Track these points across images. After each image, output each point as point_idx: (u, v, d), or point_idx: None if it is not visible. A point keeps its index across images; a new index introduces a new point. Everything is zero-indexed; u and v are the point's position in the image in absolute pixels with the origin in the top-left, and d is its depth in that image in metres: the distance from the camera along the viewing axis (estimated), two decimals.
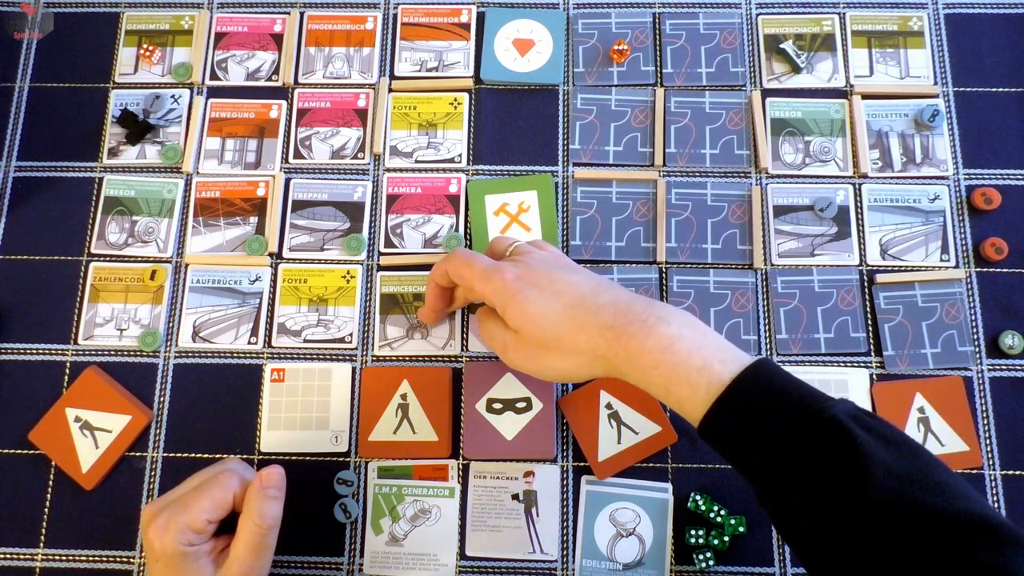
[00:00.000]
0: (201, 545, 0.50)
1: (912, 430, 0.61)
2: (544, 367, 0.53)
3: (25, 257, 0.67)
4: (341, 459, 0.62)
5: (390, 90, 0.70)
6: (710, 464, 0.61)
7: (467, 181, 0.68)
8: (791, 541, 0.46)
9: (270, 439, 0.62)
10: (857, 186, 0.67)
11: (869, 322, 0.64)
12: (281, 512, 0.53)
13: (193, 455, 0.62)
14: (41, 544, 0.60)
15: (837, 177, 0.67)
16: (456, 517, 0.60)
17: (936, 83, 0.69)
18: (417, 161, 0.69)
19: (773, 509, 0.46)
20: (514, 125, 0.69)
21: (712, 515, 0.58)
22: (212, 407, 0.63)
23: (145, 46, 0.71)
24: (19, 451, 0.62)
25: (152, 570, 0.50)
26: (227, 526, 0.53)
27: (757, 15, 0.72)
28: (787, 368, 0.62)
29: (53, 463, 0.62)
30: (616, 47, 0.70)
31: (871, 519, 0.41)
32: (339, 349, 0.64)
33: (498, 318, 0.55)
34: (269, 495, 0.52)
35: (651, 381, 0.48)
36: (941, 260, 0.65)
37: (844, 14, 0.72)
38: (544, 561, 0.59)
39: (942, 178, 0.67)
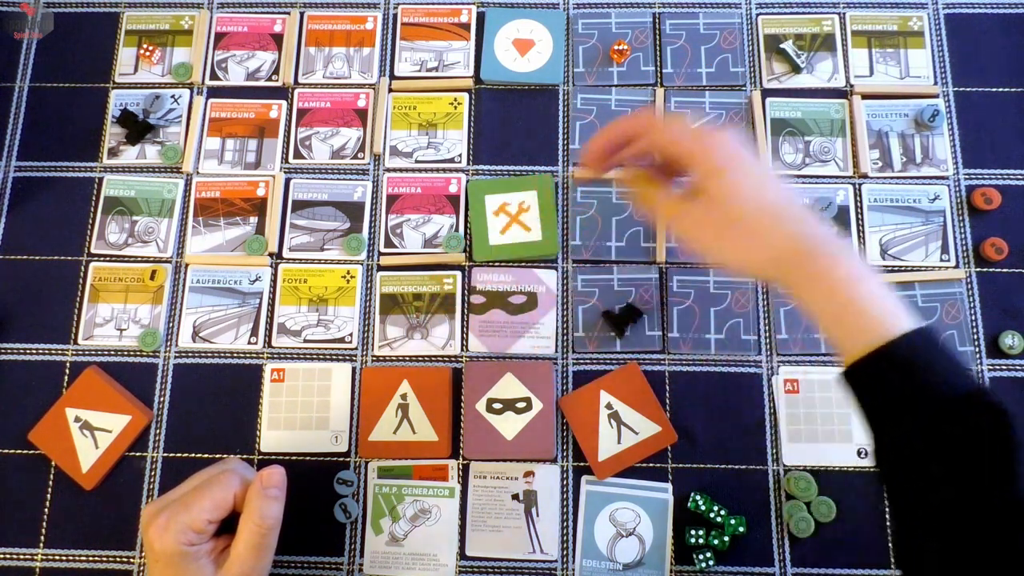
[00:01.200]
0: (201, 545, 0.50)
1: None
2: (726, 248, 0.49)
3: (25, 257, 0.67)
4: (341, 459, 0.62)
5: (390, 90, 0.70)
6: (710, 464, 0.61)
7: (467, 181, 0.68)
8: (903, 507, 0.44)
9: (270, 439, 0.62)
10: (857, 186, 0.67)
11: None
12: (282, 512, 0.53)
13: (193, 455, 0.62)
14: (41, 544, 0.60)
15: (837, 177, 0.67)
16: (456, 517, 0.60)
17: (936, 83, 0.69)
18: (417, 161, 0.69)
19: (895, 471, 0.44)
20: (514, 125, 0.69)
21: (712, 515, 0.58)
22: (212, 407, 0.63)
23: (145, 46, 0.71)
24: (19, 451, 0.62)
25: (152, 570, 0.50)
26: (227, 526, 0.53)
27: (757, 15, 0.72)
28: (786, 368, 0.63)
29: (53, 463, 0.62)
30: (616, 47, 0.70)
31: (1009, 514, 0.40)
32: (339, 349, 0.64)
33: (668, 187, 0.51)
34: (270, 495, 0.52)
35: (822, 306, 0.46)
36: (941, 260, 0.65)
37: (844, 14, 0.72)
38: (544, 561, 0.59)
39: (942, 178, 0.67)
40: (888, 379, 0.44)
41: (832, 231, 0.49)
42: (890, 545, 0.46)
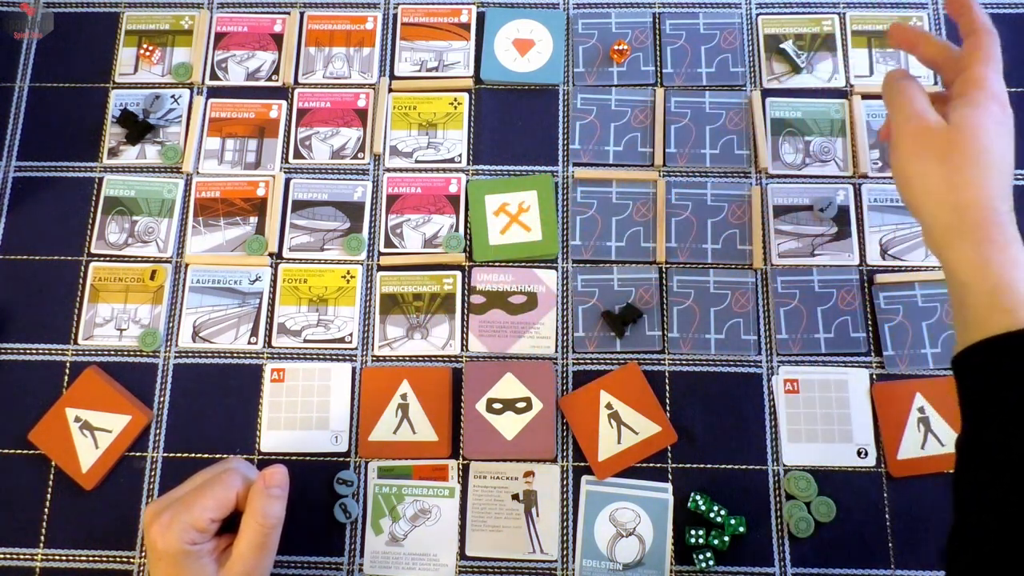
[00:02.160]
0: (203, 544, 0.50)
1: (912, 430, 0.61)
2: (924, 172, 0.49)
3: (25, 257, 0.67)
4: (341, 459, 0.62)
5: (390, 90, 0.70)
6: (710, 464, 0.61)
7: (467, 181, 0.68)
8: (970, 498, 0.44)
9: (270, 439, 0.62)
10: (857, 186, 0.67)
11: (869, 322, 0.64)
12: (284, 511, 0.53)
13: (193, 455, 0.62)
14: (41, 544, 0.60)
15: (837, 177, 0.67)
16: (456, 517, 0.60)
17: (936, 83, 0.69)
18: (417, 161, 0.69)
19: (974, 459, 0.44)
20: (514, 125, 0.69)
21: (712, 515, 0.59)
22: (212, 407, 0.63)
23: (145, 46, 0.71)
24: (19, 451, 0.62)
25: (154, 569, 0.50)
26: (229, 525, 0.53)
27: (757, 15, 0.72)
28: (786, 368, 0.63)
29: (53, 463, 0.62)
30: (616, 47, 0.70)
31: None
32: (339, 349, 0.64)
33: (925, 95, 0.52)
34: (273, 494, 0.52)
35: (963, 280, 0.47)
36: None
37: (844, 14, 0.72)
38: (544, 561, 0.59)
39: None
40: (1005, 366, 0.44)
41: (1011, 212, 0.48)
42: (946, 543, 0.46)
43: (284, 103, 0.70)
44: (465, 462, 0.61)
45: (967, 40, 0.52)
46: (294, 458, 0.61)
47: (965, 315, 0.47)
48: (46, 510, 0.61)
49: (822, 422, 0.61)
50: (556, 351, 0.64)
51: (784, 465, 0.61)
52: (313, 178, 0.68)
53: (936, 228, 0.49)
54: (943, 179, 0.49)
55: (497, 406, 0.62)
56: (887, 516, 0.59)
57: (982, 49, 0.51)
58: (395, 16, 0.73)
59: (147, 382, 0.64)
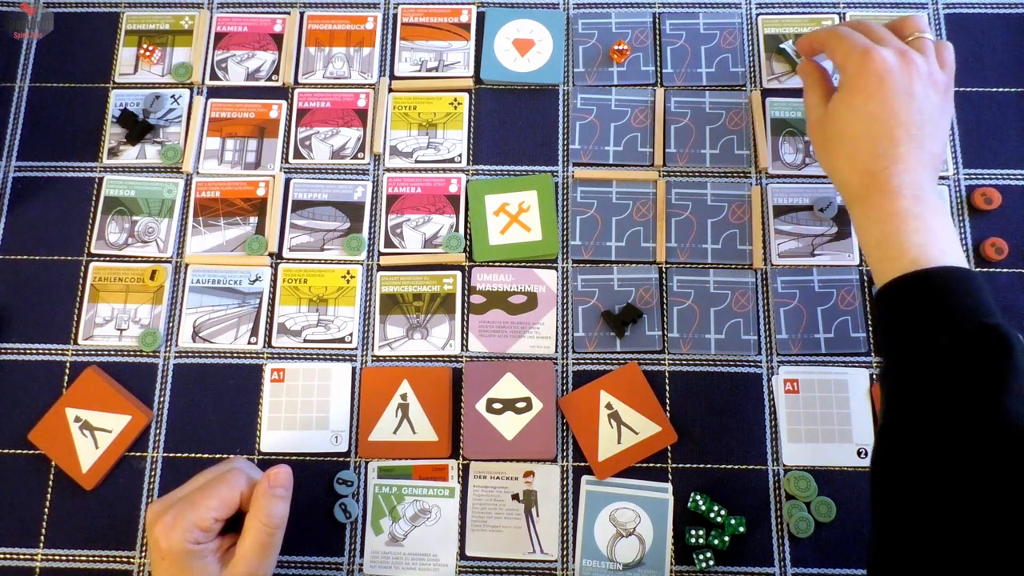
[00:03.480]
0: (207, 544, 0.50)
1: None
2: (821, 154, 0.59)
3: (25, 257, 0.67)
4: (341, 459, 0.62)
5: (390, 90, 0.70)
6: (710, 464, 0.61)
7: (467, 181, 0.68)
8: (891, 432, 0.48)
9: (270, 439, 0.62)
10: None
11: (869, 322, 0.64)
12: (288, 511, 0.53)
13: (193, 455, 0.62)
14: (41, 544, 0.60)
15: None
16: (456, 517, 0.60)
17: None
18: (417, 161, 0.69)
19: (893, 393, 0.49)
20: (514, 125, 0.69)
21: (712, 515, 0.59)
22: (212, 407, 0.63)
23: (145, 46, 0.71)
24: (19, 451, 0.62)
25: (157, 568, 0.50)
26: (232, 525, 0.53)
27: (757, 15, 0.72)
28: (786, 368, 0.63)
29: (53, 463, 0.62)
30: (616, 47, 0.70)
31: (991, 437, 0.42)
32: (339, 349, 0.64)
33: (821, 91, 0.60)
34: (277, 494, 0.52)
35: (869, 231, 0.53)
36: None
37: (844, 14, 0.72)
38: (544, 561, 0.59)
39: (942, 178, 0.67)
40: (912, 302, 0.49)
41: (917, 150, 0.54)
42: (870, 462, 0.50)
43: (284, 103, 0.70)
44: (465, 462, 0.61)
45: (827, 50, 0.59)
46: (294, 458, 0.61)
47: (870, 268, 0.54)
48: (46, 510, 0.61)
49: (822, 422, 0.61)
50: (556, 351, 0.64)
51: (784, 465, 0.61)
52: (313, 178, 0.68)
53: (843, 200, 0.58)
54: (829, 161, 0.58)
55: (497, 406, 0.62)
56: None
57: (831, 52, 0.58)
58: (395, 16, 0.73)
59: (147, 382, 0.64)
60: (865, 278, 0.65)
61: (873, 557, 0.46)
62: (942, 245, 0.50)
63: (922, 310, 0.48)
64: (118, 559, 0.60)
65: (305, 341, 0.64)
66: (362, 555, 0.60)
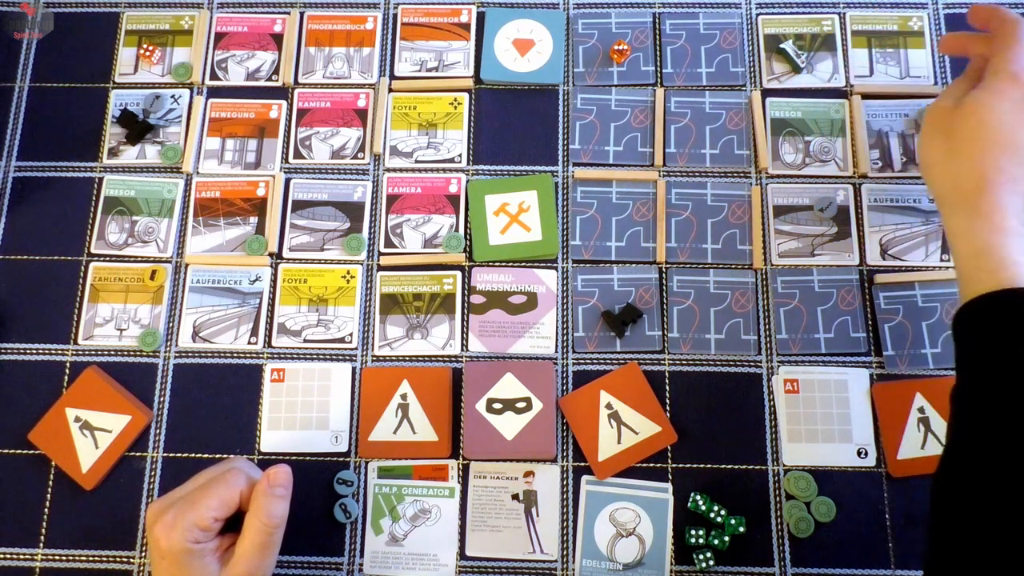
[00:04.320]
0: (207, 543, 0.50)
1: (912, 430, 0.61)
2: (931, 146, 0.55)
3: (25, 257, 0.67)
4: (341, 459, 0.62)
5: (390, 90, 0.70)
6: (710, 464, 0.61)
7: (467, 181, 0.68)
8: (968, 450, 0.46)
9: (270, 439, 0.62)
10: (857, 186, 0.67)
11: (869, 322, 0.64)
12: (287, 511, 0.53)
13: (193, 455, 0.62)
14: (41, 544, 0.60)
15: (837, 177, 0.67)
16: (456, 517, 0.60)
17: (936, 83, 0.69)
18: (417, 161, 0.69)
19: (970, 410, 0.47)
20: (514, 125, 0.69)
21: (712, 515, 0.59)
22: (212, 407, 0.63)
23: (145, 46, 0.71)
24: (19, 451, 0.62)
25: (157, 568, 0.50)
26: (232, 525, 0.53)
27: (757, 15, 0.72)
28: (786, 368, 0.63)
29: (53, 463, 0.62)
30: (616, 47, 0.70)
31: None
32: (339, 349, 0.64)
33: (973, 80, 0.56)
34: (276, 494, 0.52)
35: (968, 241, 0.51)
36: (941, 260, 0.65)
37: (844, 14, 0.72)
38: (544, 561, 0.59)
39: None
40: (1005, 319, 0.47)
41: (1015, 190, 0.52)
42: (931, 489, 0.48)
43: (284, 103, 0.70)
44: (465, 462, 0.61)
45: (994, 35, 0.56)
46: (294, 458, 0.61)
47: (959, 278, 0.52)
48: (46, 510, 0.61)
49: (822, 422, 0.61)
50: (556, 351, 0.64)
51: (784, 465, 0.61)
52: (313, 178, 0.68)
53: (938, 198, 0.55)
54: (944, 153, 0.54)
55: (497, 406, 0.62)
56: (887, 516, 0.59)
57: (1002, 38, 0.55)
58: (395, 16, 0.73)
59: (147, 382, 0.64)
60: (865, 278, 0.65)
61: None
62: None
63: (1014, 327, 0.46)
64: (118, 559, 0.60)
65: (305, 341, 0.64)
66: (362, 555, 0.60)
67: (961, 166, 0.53)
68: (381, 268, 0.66)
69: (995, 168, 0.51)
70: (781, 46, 0.70)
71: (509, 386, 0.62)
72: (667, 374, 0.63)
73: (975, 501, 0.44)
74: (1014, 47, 0.53)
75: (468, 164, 0.69)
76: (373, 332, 0.64)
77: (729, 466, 0.61)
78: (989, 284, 0.48)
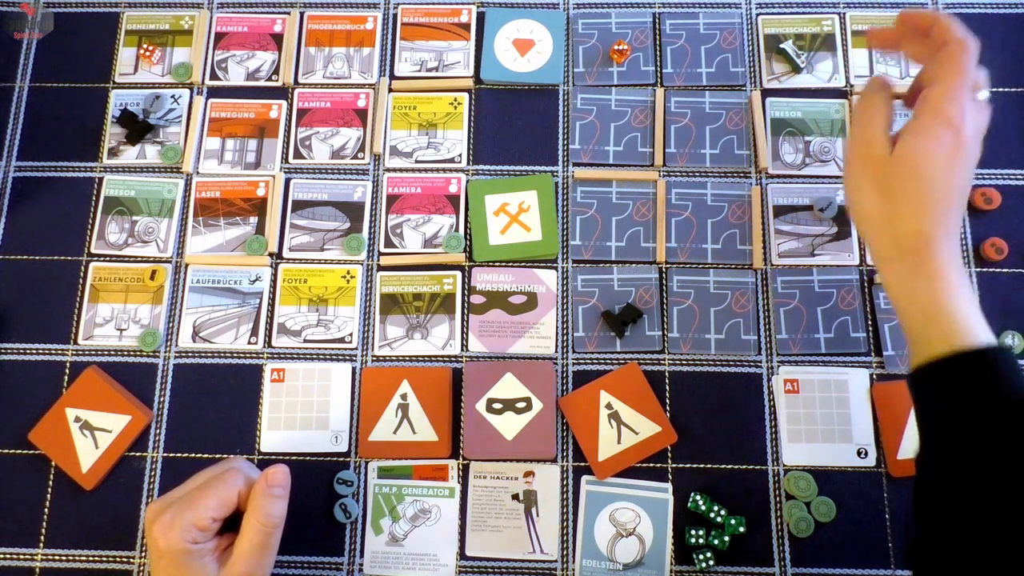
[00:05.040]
0: (205, 543, 0.50)
1: (912, 430, 0.61)
2: (870, 197, 0.50)
3: (25, 257, 0.67)
4: (341, 459, 0.62)
5: (390, 90, 0.70)
6: (710, 464, 0.61)
7: (467, 181, 0.68)
8: (929, 508, 0.46)
9: (270, 439, 0.62)
10: None
11: (869, 322, 0.64)
12: (286, 511, 0.53)
13: (193, 455, 0.62)
14: (41, 544, 0.60)
15: (837, 177, 0.67)
16: (456, 517, 0.60)
17: None
18: (417, 161, 0.69)
19: (936, 473, 0.46)
20: (514, 125, 0.69)
21: (712, 515, 0.59)
22: (212, 407, 0.63)
23: (145, 46, 0.71)
24: (19, 451, 0.62)
25: (156, 568, 0.50)
26: (231, 525, 0.53)
27: (757, 15, 0.72)
28: (786, 368, 0.63)
29: (53, 463, 0.62)
30: (616, 47, 0.70)
31: None
32: (339, 349, 0.64)
33: (888, 118, 0.52)
34: (274, 494, 0.52)
35: (913, 303, 0.49)
36: None
37: (844, 14, 0.72)
38: (544, 561, 0.59)
39: None
40: (960, 384, 0.46)
41: (951, 238, 0.49)
42: (904, 544, 0.48)
43: (284, 103, 0.70)
44: (465, 462, 0.61)
45: (938, 53, 0.50)
46: (294, 458, 0.61)
47: (907, 336, 0.49)
48: (46, 510, 0.61)
49: (822, 422, 0.61)
50: (556, 351, 0.64)
51: (784, 465, 0.61)
52: (313, 178, 0.68)
53: (875, 252, 0.51)
54: (880, 208, 0.50)
55: (497, 406, 0.62)
56: (887, 516, 0.59)
57: (946, 65, 0.49)
58: (395, 16, 0.73)
59: (147, 382, 0.64)
60: (865, 278, 0.65)
61: None
62: (984, 324, 0.47)
63: (976, 390, 0.45)
64: (118, 559, 0.60)
65: (305, 341, 0.64)
66: (362, 555, 0.60)
67: (900, 223, 0.49)
68: (381, 268, 0.66)
69: (936, 223, 0.48)
70: (781, 46, 0.70)
71: (509, 386, 0.62)
72: (667, 374, 0.63)
73: (954, 567, 0.43)
74: (955, 81, 0.48)
75: (468, 164, 0.69)
76: (373, 332, 0.64)
77: (729, 466, 0.61)
78: (943, 348, 0.46)
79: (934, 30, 0.50)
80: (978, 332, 0.46)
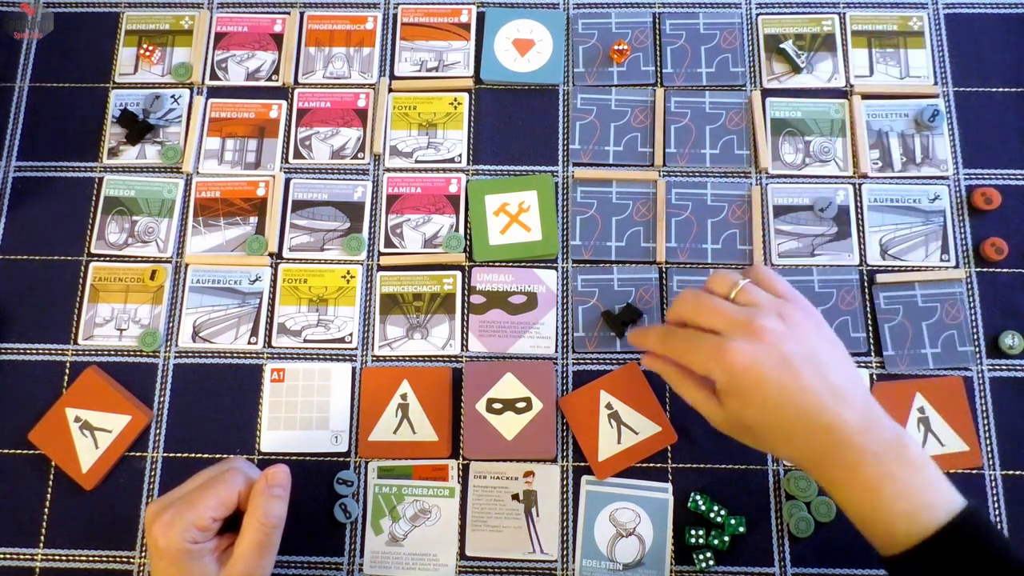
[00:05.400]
0: (205, 543, 0.50)
1: (912, 430, 0.61)
2: (750, 444, 0.52)
3: (25, 257, 0.67)
4: (341, 459, 0.62)
5: (390, 90, 0.70)
6: (710, 464, 0.61)
7: (467, 181, 0.68)
8: None
9: (270, 439, 0.62)
10: (857, 186, 0.67)
11: (869, 322, 0.64)
12: (286, 511, 0.53)
13: (193, 455, 0.62)
14: (41, 544, 0.60)
15: (837, 177, 0.67)
16: (456, 517, 0.60)
17: (936, 83, 0.69)
18: (417, 161, 0.69)
19: None
20: (514, 125, 0.69)
21: (712, 515, 0.59)
22: (212, 407, 0.63)
23: (145, 46, 0.71)
24: (19, 451, 0.62)
25: (156, 568, 0.50)
26: (231, 525, 0.53)
27: (757, 15, 0.72)
28: None
29: (53, 463, 0.62)
30: (616, 47, 0.70)
31: None
32: (339, 349, 0.64)
33: (696, 383, 0.52)
34: (274, 494, 0.52)
35: (850, 511, 0.48)
36: (941, 260, 0.65)
37: (844, 14, 0.72)
38: (544, 561, 0.59)
39: (942, 178, 0.67)
40: (934, 571, 0.45)
41: (858, 411, 0.48)
42: None
43: (284, 103, 0.70)
44: (465, 462, 0.61)
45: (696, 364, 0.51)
46: (294, 458, 0.61)
47: (870, 536, 0.49)
48: (46, 510, 0.61)
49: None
50: (556, 351, 0.64)
51: (784, 465, 0.61)
52: (313, 178, 0.68)
53: (796, 464, 0.52)
54: (763, 447, 0.52)
55: (497, 406, 0.62)
56: None
57: (689, 363, 0.51)
58: (395, 16, 0.73)
59: (147, 382, 0.64)
60: (865, 278, 0.65)
61: None
62: (928, 497, 0.46)
63: (965, 566, 0.44)
64: (118, 559, 0.60)
65: (305, 341, 0.64)
66: (362, 555, 0.60)
67: (785, 453, 0.51)
68: (381, 268, 0.66)
69: (808, 436, 0.48)
70: (781, 46, 0.70)
71: (509, 386, 0.62)
72: None
73: None
74: (700, 364, 0.50)
75: (468, 164, 0.69)
76: (373, 332, 0.64)
77: (729, 466, 0.61)
78: (891, 548, 0.46)
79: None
80: (922, 519, 0.45)
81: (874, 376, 0.62)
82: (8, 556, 0.60)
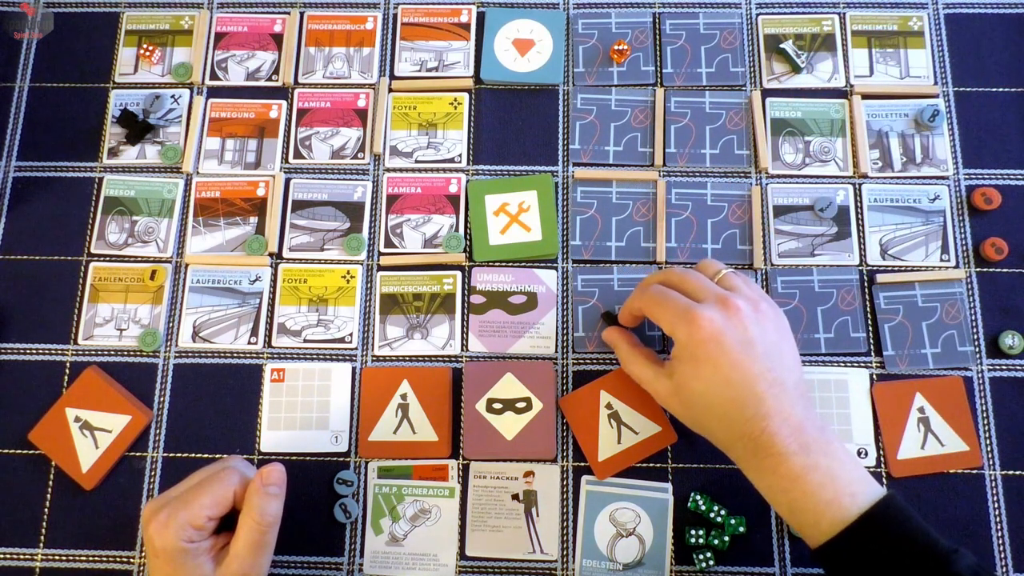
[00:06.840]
0: (201, 542, 0.50)
1: (912, 430, 0.61)
2: (689, 423, 0.55)
3: (25, 257, 0.67)
4: (341, 459, 0.62)
5: (390, 90, 0.70)
6: (710, 464, 0.61)
7: (467, 181, 0.68)
8: None
9: (270, 439, 0.62)
10: (857, 186, 0.67)
11: (869, 322, 0.64)
12: (281, 510, 0.53)
13: (193, 455, 0.62)
14: (41, 544, 0.60)
15: (837, 177, 0.67)
16: (456, 517, 0.60)
17: (936, 83, 0.69)
18: (417, 161, 0.69)
19: None
20: (514, 125, 0.69)
21: (712, 515, 0.59)
22: (212, 407, 0.63)
23: (145, 46, 0.71)
24: (19, 451, 0.62)
25: (152, 567, 0.50)
26: (227, 524, 0.53)
27: (757, 15, 0.72)
28: None
29: (53, 463, 0.62)
30: (616, 47, 0.70)
31: None
32: (339, 349, 0.64)
33: (645, 358, 0.57)
34: (269, 492, 0.52)
35: (776, 499, 0.50)
36: (941, 260, 0.65)
37: (844, 14, 0.72)
38: (544, 561, 0.59)
39: (942, 178, 0.67)
40: (853, 559, 0.47)
41: (790, 406, 0.50)
42: None
43: (284, 103, 0.70)
44: (465, 462, 0.61)
45: (661, 323, 0.54)
46: (294, 458, 0.61)
47: (793, 525, 0.51)
48: (46, 510, 0.61)
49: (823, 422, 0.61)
50: (556, 351, 0.64)
51: None
52: (313, 178, 0.68)
53: (731, 457, 0.54)
54: (700, 427, 0.54)
55: (497, 406, 0.62)
56: None
57: (657, 320, 0.54)
58: (395, 16, 0.73)
59: (147, 382, 0.64)
60: (865, 278, 0.65)
61: None
62: (852, 487, 0.48)
63: (878, 564, 0.46)
64: (118, 559, 0.60)
65: (305, 341, 0.64)
66: (362, 555, 0.60)
67: (720, 434, 0.53)
68: (381, 268, 0.66)
69: (745, 422, 0.50)
70: (781, 46, 0.70)
71: (509, 386, 0.62)
72: None
73: None
74: (667, 323, 0.53)
75: (468, 164, 0.69)
76: (373, 332, 0.64)
77: (729, 466, 0.61)
78: (817, 536, 0.48)
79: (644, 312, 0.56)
80: (844, 506, 0.47)
81: (874, 376, 0.62)
82: (8, 556, 0.60)
